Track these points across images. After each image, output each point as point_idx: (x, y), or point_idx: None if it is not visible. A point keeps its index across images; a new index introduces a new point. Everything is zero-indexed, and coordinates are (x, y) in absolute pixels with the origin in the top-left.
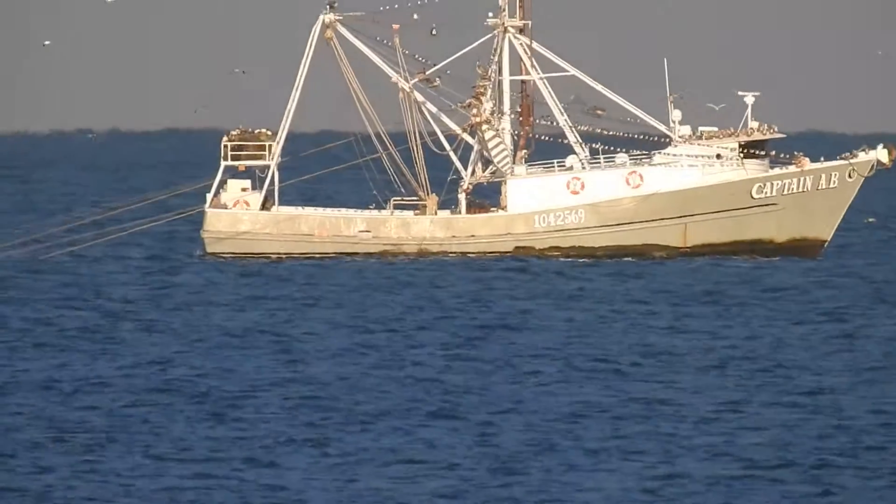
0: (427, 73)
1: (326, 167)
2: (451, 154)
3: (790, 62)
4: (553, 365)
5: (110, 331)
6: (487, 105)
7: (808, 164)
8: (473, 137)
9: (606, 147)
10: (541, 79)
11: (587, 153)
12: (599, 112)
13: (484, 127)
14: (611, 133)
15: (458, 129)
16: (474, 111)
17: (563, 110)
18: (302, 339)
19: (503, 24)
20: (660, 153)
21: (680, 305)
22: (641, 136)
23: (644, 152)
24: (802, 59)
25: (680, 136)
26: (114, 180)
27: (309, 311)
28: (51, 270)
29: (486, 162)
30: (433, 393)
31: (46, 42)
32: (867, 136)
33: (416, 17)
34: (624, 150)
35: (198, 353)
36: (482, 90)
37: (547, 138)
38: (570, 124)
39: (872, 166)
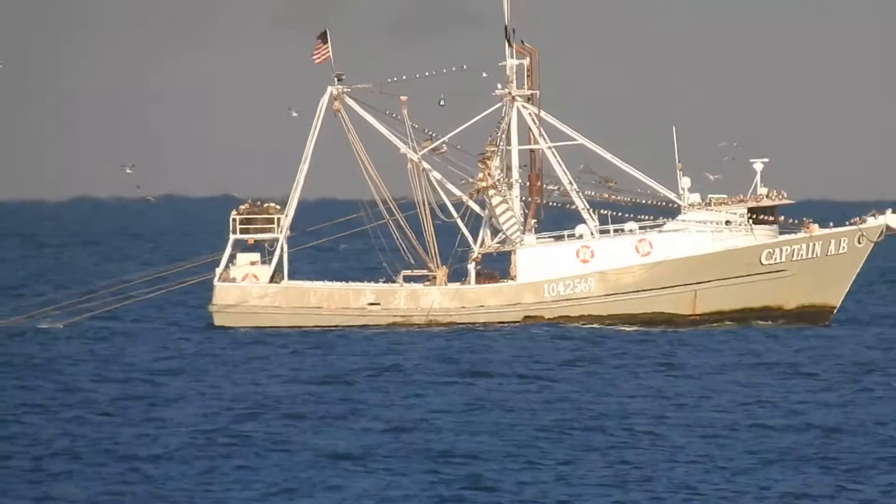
0: (433, 139)
1: (336, 236)
2: (459, 221)
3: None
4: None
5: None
6: (495, 171)
7: (817, 229)
8: (482, 206)
9: (616, 213)
10: (549, 148)
11: (597, 222)
12: (610, 184)
13: (491, 192)
14: (619, 198)
15: (464, 196)
16: (480, 175)
17: (572, 179)
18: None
19: (511, 93)
20: (670, 220)
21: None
22: (651, 203)
23: (656, 220)
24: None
25: (689, 204)
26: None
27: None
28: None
29: (495, 231)
30: None
31: None
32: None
33: (442, 102)
34: (633, 216)
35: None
36: (489, 155)
37: (555, 204)
38: (580, 193)
39: (882, 231)
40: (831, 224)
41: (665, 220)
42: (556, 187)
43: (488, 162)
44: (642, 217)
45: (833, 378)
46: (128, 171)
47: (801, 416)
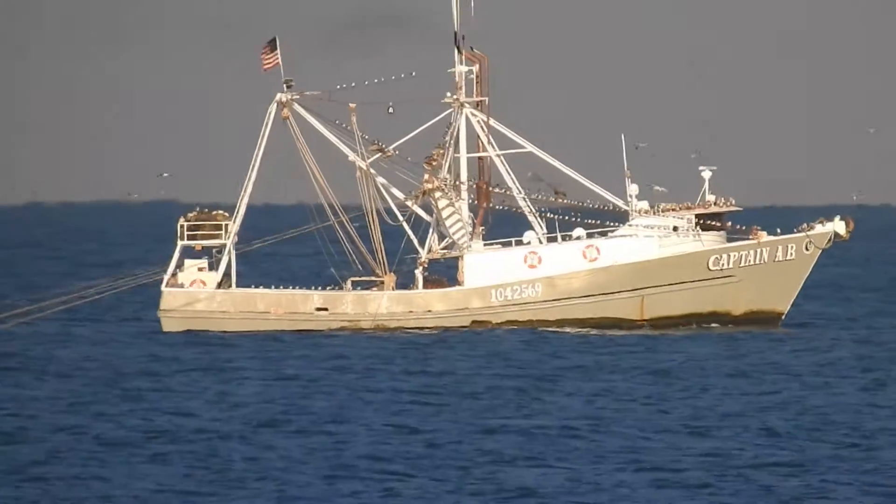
0: (381, 146)
1: (283, 243)
2: (405, 225)
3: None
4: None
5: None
6: (441, 174)
7: (764, 236)
8: (428, 211)
9: (564, 216)
10: (497, 155)
11: (545, 229)
12: (559, 192)
13: (437, 195)
14: (569, 202)
15: (408, 200)
16: (426, 177)
17: (520, 187)
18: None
19: (459, 100)
20: (621, 226)
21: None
22: (599, 206)
23: (607, 226)
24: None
25: (637, 210)
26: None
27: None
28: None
29: (443, 237)
30: None
31: None
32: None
33: (390, 110)
34: (582, 223)
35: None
36: (435, 157)
37: (502, 207)
38: (528, 200)
39: (830, 238)
40: (779, 231)
41: (616, 225)
42: (502, 189)
43: (434, 164)
44: (589, 221)
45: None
46: (165, 175)
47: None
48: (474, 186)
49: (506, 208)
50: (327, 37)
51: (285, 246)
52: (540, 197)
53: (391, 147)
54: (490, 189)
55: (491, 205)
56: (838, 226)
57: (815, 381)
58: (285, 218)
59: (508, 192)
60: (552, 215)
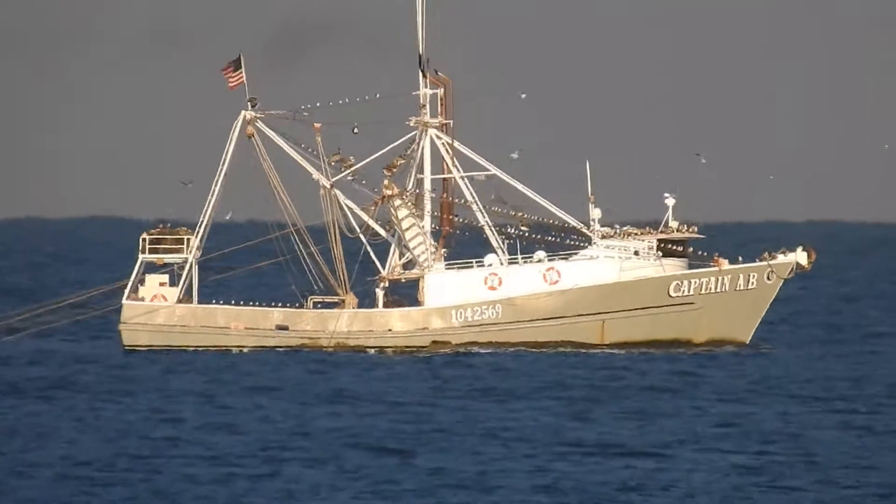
0: (340, 153)
1: (251, 262)
2: (362, 237)
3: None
4: None
5: None
6: (409, 189)
7: (725, 264)
8: (391, 233)
9: (526, 233)
10: (461, 177)
11: (506, 253)
12: (518, 212)
13: (397, 203)
14: (533, 219)
15: (367, 218)
16: (385, 182)
17: (482, 208)
18: None
19: (424, 122)
20: (585, 248)
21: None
22: (560, 225)
23: (568, 248)
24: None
25: (599, 234)
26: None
27: None
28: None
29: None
30: None
31: None
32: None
33: (355, 130)
34: (544, 245)
35: None
36: (395, 163)
37: (465, 220)
38: (490, 223)
39: (792, 269)
40: (740, 259)
41: (583, 244)
42: (461, 200)
43: (393, 170)
44: (550, 239)
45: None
46: (188, 185)
47: None
48: (438, 204)
49: (467, 234)
50: (291, 48)
51: (247, 262)
52: (502, 211)
53: (356, 166)
54: (453, 202)
55: (454, 230)
56: (800, 256)
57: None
58: (251, 234)
59: (468, 206)
60: (513, 232)
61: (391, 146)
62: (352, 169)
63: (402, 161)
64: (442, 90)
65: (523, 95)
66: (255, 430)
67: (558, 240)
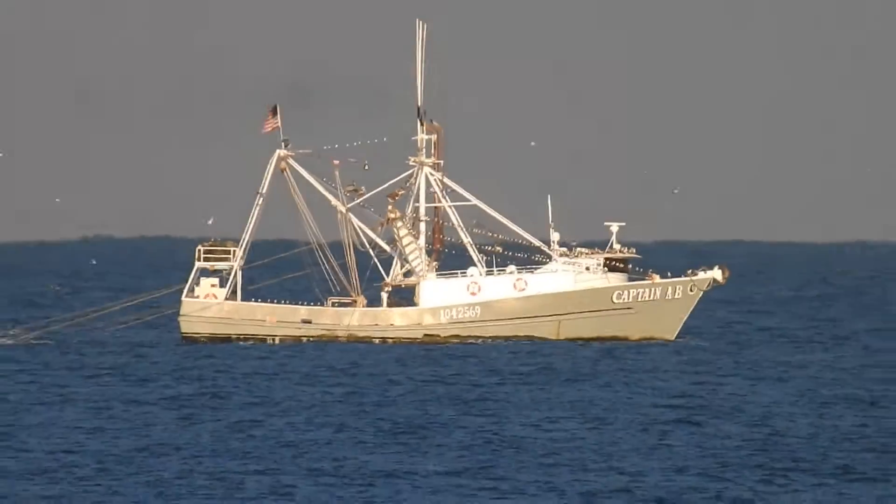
0: (354, 184)
1: (284, 271)
2: (371, 251)
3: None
4: None
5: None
6: (405, 213)
7: (657, 279)
8: (393, 249)
9: (500, 260)
10: (449, 206)
11: (484, 266)
12: (494, 235)
13: (398, 224)
14: (503, 248)
15: (377, 237)
16: (389, 207)
17: (465, 231)
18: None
19: (421, 162)
20: (543, 266)
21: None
22: (526, 244)
23: (536, 262)
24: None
25: (558, 253)
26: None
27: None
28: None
29: (403, 268)
30: None
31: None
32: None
33: (366, 167)
34: (514, 261)
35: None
36: (397, 192)
37: (452, 252)
38: (472, 242)
39: (710, 283)
40: (669, 274)
41: (546, 260)
42: (449, 224)
43: (396, 198)
44: (520, 255)
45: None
46: (209, 223)
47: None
48: (431, 227)
49: (453, 251)
50: (312, 97)
51: (281, 270)
52: (481, 233)
53: (365, 195)
54: (443, 225)
55: (444, 248)
56: (716, 273)
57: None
58: (283, 249)
59: (455, 228)
60: (490, 249)
61: (394, 180)
62: (363, 198)
63: (403, 192)
64: (435, 136)
65: (532, 143)
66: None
67: (526, 256)
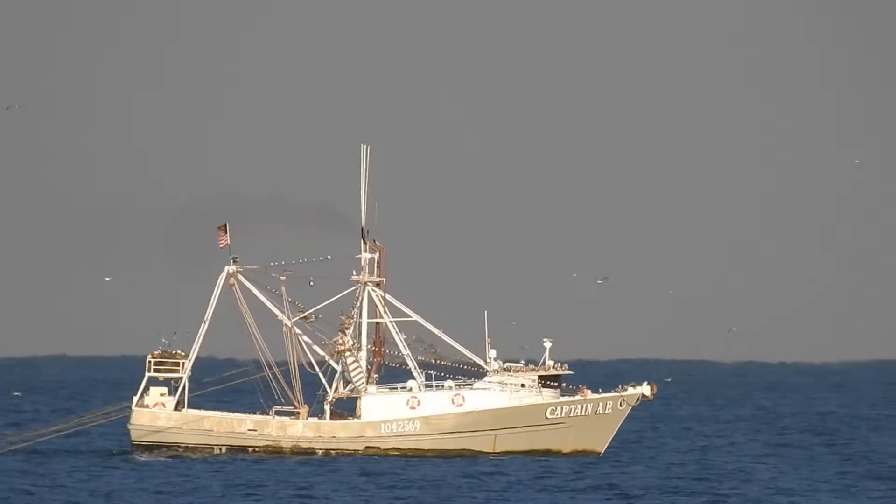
0: (305, 312)
1: (230, 383)
2: (321, 374)
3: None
4: None
5: None
6: (349, 338)
7: (589, 394)
8: (338, 363)
9: (438, 374)
10: (390, 322)
11: (423, 379)
12: (433, 350)
13: (346, 354)
14: (441, 362)
15: (327, 356)
16: (338, 340)
17: (405, 346)
18: None
19: (364, 280)
20: (480, 382)
21: None
22: (463, 365)
23: (467, 380)
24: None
25: (494, 369)
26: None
27: None
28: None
29: (346, 382)
30: None
31: None
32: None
33: (311, 283)
34: (452, 377)
35: None
36: (345, 326)
37: (395, 365)
38: (411, 356)
39: (638, 398)
40: (600, 390)
41: (482, 375)
42: (392, 352)
43: (345, 331)
44: (458, 377)
45: None
46: (166, 340)
47: None
48: (372, 348)
49: (394, 365)
50: (258, 218)
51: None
52: (421, 348)
53: (311, 311)
54: (383, 345)
55: (384, 361)
56: (645, 389)
57: None
58: (228, 366)
59: (398, 354)
60: (430, 371)
61: (338, 296)
62: (311, 322)
63: (350, 320)
64: (378, 254)
65: (464, 215)
66: None
67: (464, 368)
